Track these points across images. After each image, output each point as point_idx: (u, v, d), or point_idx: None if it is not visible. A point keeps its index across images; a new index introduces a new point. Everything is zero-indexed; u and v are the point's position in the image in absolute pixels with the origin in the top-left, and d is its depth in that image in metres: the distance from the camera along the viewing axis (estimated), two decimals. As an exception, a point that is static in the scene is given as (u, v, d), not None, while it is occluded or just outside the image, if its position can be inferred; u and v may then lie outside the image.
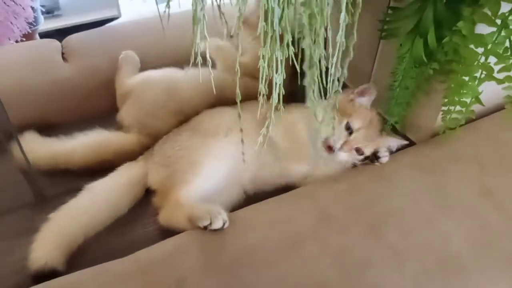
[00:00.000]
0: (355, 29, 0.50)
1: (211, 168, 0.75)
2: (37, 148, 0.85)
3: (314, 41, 0.52)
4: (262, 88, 0.53)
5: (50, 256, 0.66)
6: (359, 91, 0.80)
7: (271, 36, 0.49)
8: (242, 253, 0.62)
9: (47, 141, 0.87)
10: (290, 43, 0.51)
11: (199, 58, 0.53)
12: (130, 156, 0.85)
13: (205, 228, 0.65)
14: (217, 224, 0.64)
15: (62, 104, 0.96)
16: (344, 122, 0.77)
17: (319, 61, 0.52)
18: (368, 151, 0.77)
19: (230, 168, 0.76)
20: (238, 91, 0.53)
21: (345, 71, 0.53)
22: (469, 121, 0.80)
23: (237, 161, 0.75)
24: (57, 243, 0.68)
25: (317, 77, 0.54)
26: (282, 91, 0.54)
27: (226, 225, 0.65)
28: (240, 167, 0.75)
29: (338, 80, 0.54)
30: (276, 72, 0.52)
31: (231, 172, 0.77)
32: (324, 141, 0.76)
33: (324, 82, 0.54)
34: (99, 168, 0.84)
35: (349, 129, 0.77)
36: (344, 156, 0.76)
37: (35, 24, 1.33)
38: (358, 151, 0.77)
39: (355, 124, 0.77)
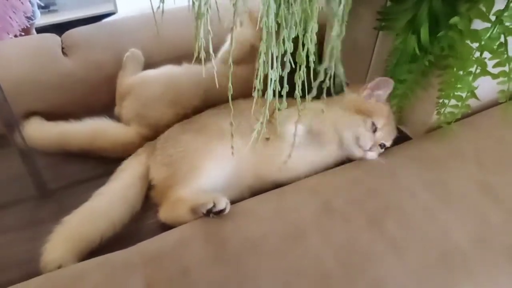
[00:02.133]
0: (343, 24, 0.52)
1: (212, 172, 0.76)
2: (42, 130, 0.88)
3: (304, 36, 0.53)
4: (258, 83, 0.54)
5: (64, 259, 0.66)
6: (373, 85, 0.80)
7: (267, 32, 0.50)
8: (245, 244, 0.63)
9: (51, 124, 0.90)
10: (286, 39, 0.52)
11: (202, 53, 0.54)
12: (128, 148, 0.86)
13: (209, 213, 0.66)
14: (221, 205, 0.66)
15: (63, 99, 0.96)
16: (369, 122, 0.78)
17: (307, 57, 0.54)
18: (389, 143, 0.80)
19: (231, 171, 0.77)
20: (230, 85, 0.54)
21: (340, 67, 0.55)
22: (466, 116, 0.81)
23: (239, 164, 0.76)
24: (72, 247, 0.68)
25: (303, 72, 0.55)
26: (278, 88, 0.56)
27: (228, 208, 0.67)
28: (242, 169, 0.77)
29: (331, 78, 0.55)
30: (272, 68, 0.54)
31: (232, 175, 0.77)
32: (353, 142, 0.78)
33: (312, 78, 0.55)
34: (98, 156, 0.86)
35: (373, 127, 0.78)
36: (373, 155, 0.78)
37: (33, 18, 1.33)
38: (382, 145, 0.79)
39: (379, 122, 0.78)
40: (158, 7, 0.55)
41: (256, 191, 0.76)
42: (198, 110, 0.89)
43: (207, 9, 0.51)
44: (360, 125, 0.78)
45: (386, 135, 0.79)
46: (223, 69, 0.56)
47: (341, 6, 0.51)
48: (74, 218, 0.71)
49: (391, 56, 0.77)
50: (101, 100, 0.97)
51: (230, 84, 0.54)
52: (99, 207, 0.73)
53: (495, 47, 0.64)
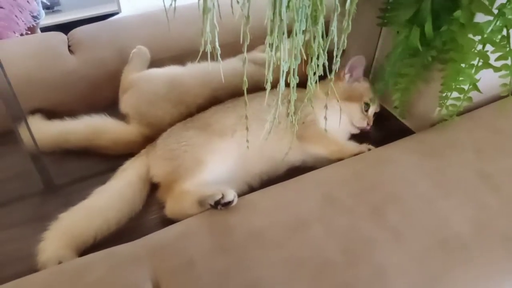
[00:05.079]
0: (350, 19, 0.52)
1: (215, 166, 0.76)
2: (42, 129, 0.87)
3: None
4: (269, 76, 0.55)
5: (60, 256, 0.66)
6: (350, 67, 0.88)
7: (279, 26, 0.51)
8: (249, 235, 0.64)
9: (51, 123, 0.90)
10: (298, 32, 0.52)
11: (209, 47, 0.54)
12: (129, 146, 0.87)
13: (216, 204, 0.66)
14: (229, 197, 0.66)
15: (69, 96, 0.97)
16: (362, 105, 0.88)
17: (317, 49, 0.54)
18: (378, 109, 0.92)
19: (234, 165, 0.78)
20: (245, 78, 0.54)
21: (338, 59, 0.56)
22: (467, 110, 0.82)
23: (242, 158, 0.78)
24: (66, 244, 0.68)
25: (315, 64, 0.56)
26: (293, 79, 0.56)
27: (235, 200, 0.67)
28: (246, 162, 0.78)
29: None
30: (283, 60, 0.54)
31: (235, 169, 0.78)
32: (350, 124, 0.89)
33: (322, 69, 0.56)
34: (99, 153, 0.87)
35: (367, 107, 0.88)
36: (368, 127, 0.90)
37: (39, 17, 1.35)
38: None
39: (369, 100, 0.89)
40: (170, 4, 0.54)
41: (269, 176, 0.79)
42: (202, 108, 0.89)
43: (213, 4, 0.51)
44: (357, 112, 0.88)
45: (376, 106, 0.90)
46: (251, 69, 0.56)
47: (348, 1, 0.52)
48: (69, 215, 0.71)
49: (394, 50, 0.77)
50: (106, 97, 0.97)
51: (245, 78, 0.54)
52: (95, 206, 0.73)
53: (497, 40, 0.64)
